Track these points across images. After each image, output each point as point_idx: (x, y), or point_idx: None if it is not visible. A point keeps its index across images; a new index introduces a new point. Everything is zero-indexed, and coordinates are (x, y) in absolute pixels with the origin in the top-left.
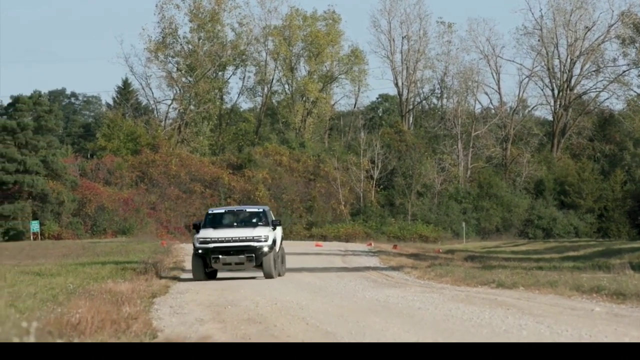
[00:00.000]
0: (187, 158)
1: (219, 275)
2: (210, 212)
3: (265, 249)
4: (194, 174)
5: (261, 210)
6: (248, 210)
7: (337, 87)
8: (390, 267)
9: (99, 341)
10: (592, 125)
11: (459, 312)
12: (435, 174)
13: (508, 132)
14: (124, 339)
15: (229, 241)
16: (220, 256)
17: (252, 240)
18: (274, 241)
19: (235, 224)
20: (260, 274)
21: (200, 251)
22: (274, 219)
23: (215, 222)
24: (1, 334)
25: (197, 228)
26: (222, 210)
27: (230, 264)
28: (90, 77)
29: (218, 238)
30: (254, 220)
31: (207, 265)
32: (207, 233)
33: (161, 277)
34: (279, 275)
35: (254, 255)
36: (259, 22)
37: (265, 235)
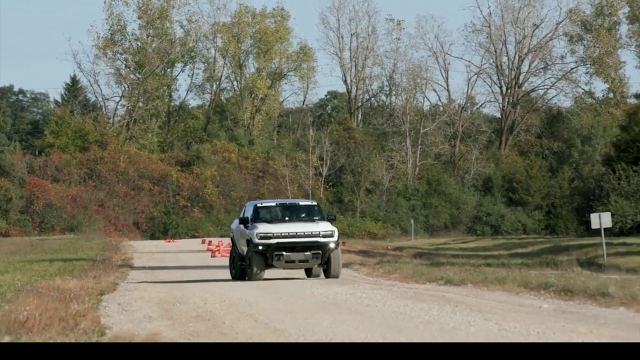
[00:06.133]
0: (136, 155)
1: (167, 274)
2: (258, 205)
3: (332, 245)
4: (142, 170)
5: (314, 204)
6: (301, 203)
7: (285, 84)
8: None
9: (47, 338)
10: (540, 123)
11: (408, 309)
12: (383, 171)
13: (456, 129)
14: (72, 336)
15: (293, 236)
16: (284, 253)
17: (319, 235)
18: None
19: (286, 218)
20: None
21: (260, 247)
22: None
23: (269, 216)
24: None
25: (244, 223)
26: (274, 204)
27: (293, 261)
28: (38, 75)
29: (281, 233)
30: (310, 215)
31: (266, 263)
32: (266, 228)
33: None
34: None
35: (320, 252)
36: (208, 19)
37: (331, 230)
